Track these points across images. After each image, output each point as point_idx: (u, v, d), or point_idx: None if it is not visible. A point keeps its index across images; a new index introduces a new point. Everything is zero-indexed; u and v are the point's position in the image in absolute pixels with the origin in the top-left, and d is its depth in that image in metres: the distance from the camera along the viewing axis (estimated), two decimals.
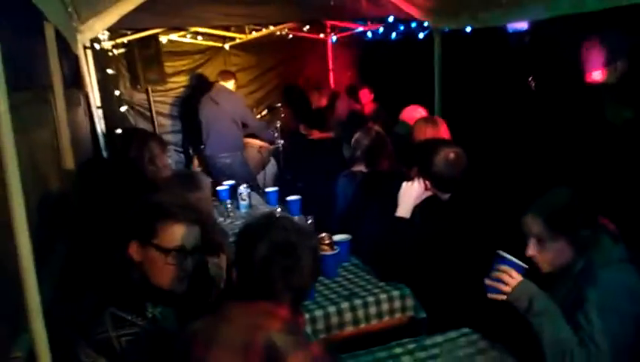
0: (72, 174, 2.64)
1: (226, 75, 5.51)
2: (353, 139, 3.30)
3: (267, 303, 1.38)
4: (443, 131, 3.39)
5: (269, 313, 1.37)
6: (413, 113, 4.08)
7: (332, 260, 2.58)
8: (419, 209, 2.48)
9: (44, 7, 2.00)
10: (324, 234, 2.66)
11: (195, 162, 5.83)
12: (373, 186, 3.00)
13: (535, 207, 1.86)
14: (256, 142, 5.80)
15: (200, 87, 6.09)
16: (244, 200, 3.67)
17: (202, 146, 5.41)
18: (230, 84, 5.44)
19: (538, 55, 5.17)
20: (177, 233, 1.65)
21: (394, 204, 2.50)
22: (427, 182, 2.47)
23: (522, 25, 5.02)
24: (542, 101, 4.85)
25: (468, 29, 4.85)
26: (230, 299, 1.47)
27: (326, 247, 2.61)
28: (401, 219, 2.46)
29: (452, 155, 2.45)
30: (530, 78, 5.33)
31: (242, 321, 1.37)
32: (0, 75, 1.19)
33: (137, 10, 4.01)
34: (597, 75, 2.69)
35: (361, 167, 3.25)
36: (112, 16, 3.97)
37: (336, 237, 2.72)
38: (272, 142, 5.80)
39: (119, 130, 4.59)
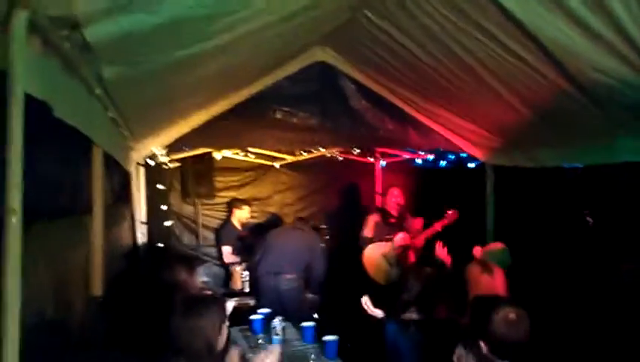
0: (98, 299, 2.54)
1: None
2: (404, 283, 3.04)
3: None
4: (499, 281, 3.10)
5: None
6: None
7: None
8: None
9: (91, 134, 2.02)
10: None
11: (235, 278, 5.63)
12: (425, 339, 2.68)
13: None
14: None
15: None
16: (278, 334, 3.41)
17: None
18: None
19: (594, 190, 4.89)
20: None
21: None
22: (484, 346, 2.18)
23: None
24: (601, 237, 4.52)
25: None
26: None
27: None
28: None
29: (512, 315, 2.15)
30: (586, 212, 5.03)
31: None
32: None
33: (193, 131, 4.18)
34: None
35: (412, 314, 2.94)
36: (167, 137, 4.14)
37: None
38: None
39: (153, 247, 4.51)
